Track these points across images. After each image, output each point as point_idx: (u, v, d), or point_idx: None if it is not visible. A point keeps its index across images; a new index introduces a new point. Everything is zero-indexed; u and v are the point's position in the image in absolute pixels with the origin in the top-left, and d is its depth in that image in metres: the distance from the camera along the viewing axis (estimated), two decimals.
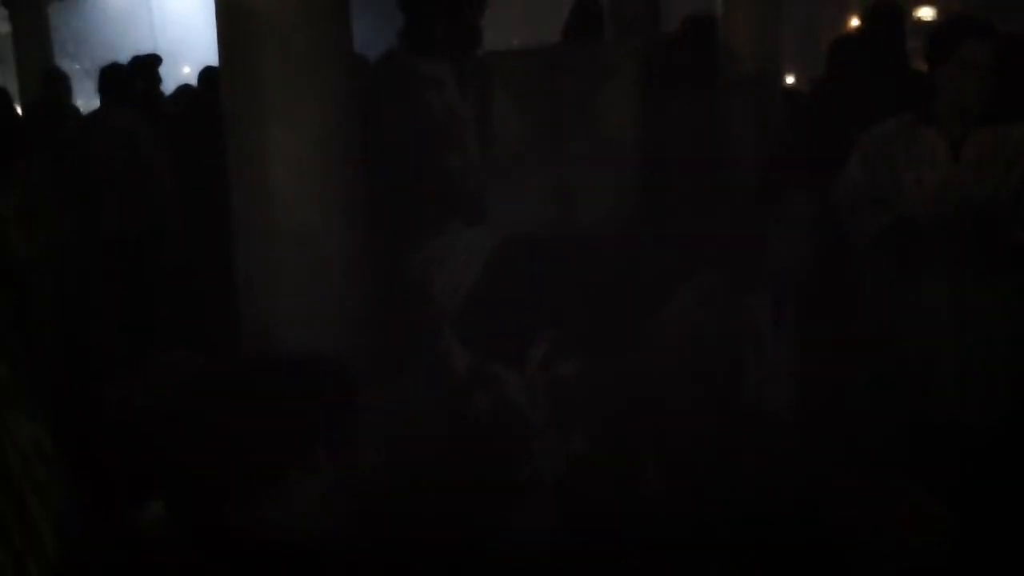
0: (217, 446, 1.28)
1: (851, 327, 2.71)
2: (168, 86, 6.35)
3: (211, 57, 3.26)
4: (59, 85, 6.27)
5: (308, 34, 2.36)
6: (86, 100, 8.98)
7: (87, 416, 1.87)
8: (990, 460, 2.67)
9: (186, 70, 13.01)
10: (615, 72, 2.83)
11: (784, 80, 5.75)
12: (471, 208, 2.86)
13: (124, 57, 5.73)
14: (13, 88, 7.50)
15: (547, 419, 1.91)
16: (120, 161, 4.66)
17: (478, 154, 2.88)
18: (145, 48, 7.54)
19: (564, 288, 2.57)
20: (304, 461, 1.30)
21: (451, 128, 2.84)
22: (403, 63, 2.86)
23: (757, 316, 2.24)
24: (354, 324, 2.41)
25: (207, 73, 4.94)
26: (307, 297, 2.37)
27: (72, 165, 4.75)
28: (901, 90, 3.12)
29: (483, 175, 2.88)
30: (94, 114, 5.15)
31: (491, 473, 1.81)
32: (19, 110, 5.90)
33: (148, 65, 5.93)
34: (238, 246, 2.47)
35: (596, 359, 2.06)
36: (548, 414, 1.92)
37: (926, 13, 15.85)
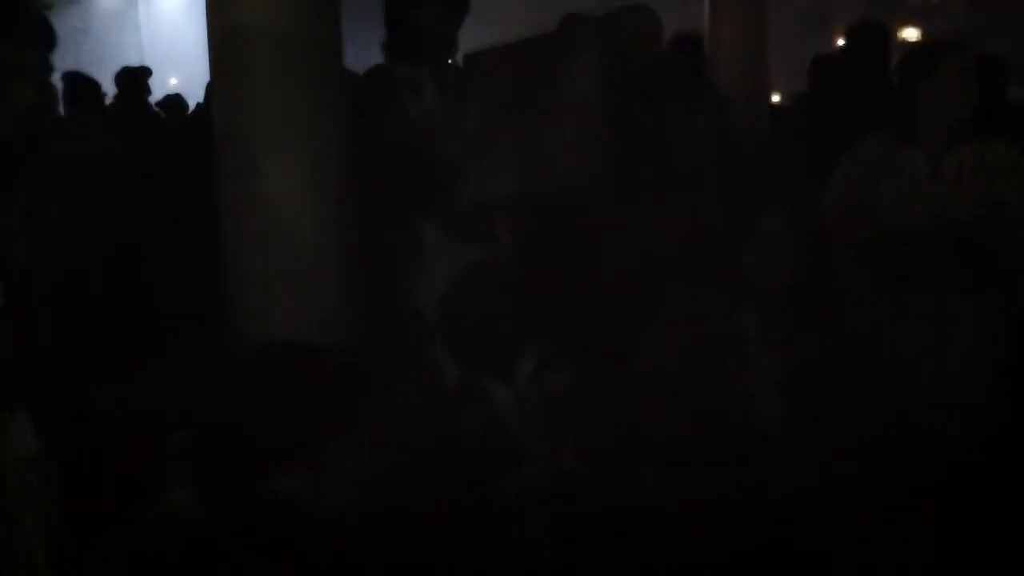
0: (248, 425, 1.29)
1: (837, 339, 2.73)
2: (156, 98, 6.36)
3: (199, 68, 3.27)
4: (46, 94, 6.24)
5: (299, 48, 2.37)
6: None
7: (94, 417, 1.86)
8: (973, 471, 2.69)
9: (173, 81, 12.97)
10: (576, 53, 2.79)
11: (770, 97, 5.79)
12: (448, 208, 2.87)
13: (112, 67, 5.73)
14: None
15: (537, 434, 1.92)
16: (87, 170, 4.63)
17: (456, 154, 2.90)
18: (133, 59, 7.53)
19: (545, 299, 2.57)
20: (337, 438, 1.33)
21: (429, 129, 2.87)
22: (385, 72, 2.91)
23: (745, 329, 2.26)
24: (347, 335, 2.41)
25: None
26: (299, 308, 2.37)
27: (47, 173, 4.71)
28: (882, 107, 3.16)
29: (460, 172, 2.89)
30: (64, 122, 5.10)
31: (481, 489, 1.82)
32: None
33: (137, 76, 5.92)
34: (227, 257, 2.48)
35: (585, 371, 2.07)
36: (538, 429, 1.92)
37: (910, 34, 16.02)
